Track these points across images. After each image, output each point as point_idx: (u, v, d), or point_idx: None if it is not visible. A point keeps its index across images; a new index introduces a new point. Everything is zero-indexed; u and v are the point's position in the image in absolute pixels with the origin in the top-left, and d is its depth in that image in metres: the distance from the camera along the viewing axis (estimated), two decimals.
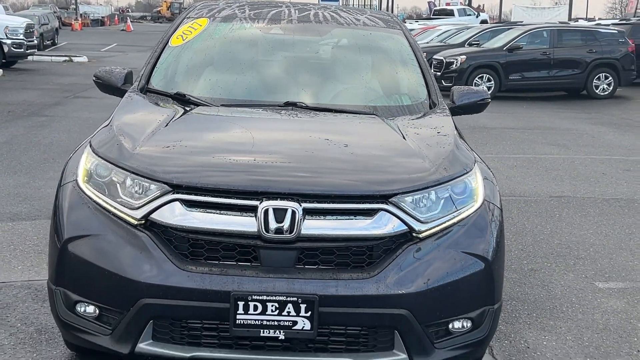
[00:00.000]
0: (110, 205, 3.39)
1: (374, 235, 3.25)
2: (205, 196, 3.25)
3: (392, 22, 5.28)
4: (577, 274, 5.63)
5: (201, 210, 3.25)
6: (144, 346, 3.26)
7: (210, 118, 4.11)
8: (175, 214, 3.25)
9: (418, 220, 3.32)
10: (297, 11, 5.24)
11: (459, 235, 3.41)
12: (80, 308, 3.38)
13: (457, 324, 3.39)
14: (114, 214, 3.36)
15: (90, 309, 3.36)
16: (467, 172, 3.60)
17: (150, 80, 4.55)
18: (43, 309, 4.59)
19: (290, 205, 3.20)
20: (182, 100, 4.29)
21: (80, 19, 58.93)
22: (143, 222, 3.29)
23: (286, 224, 3.19)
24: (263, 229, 3.18)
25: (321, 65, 4.83)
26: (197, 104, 4.25)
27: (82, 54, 27.88)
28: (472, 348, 3.48)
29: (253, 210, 3.22)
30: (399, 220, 3.29)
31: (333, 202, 3.26)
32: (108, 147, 3.61)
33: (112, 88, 4.70)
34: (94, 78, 4.78)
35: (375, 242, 3.26)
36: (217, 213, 3.24)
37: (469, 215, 3.48)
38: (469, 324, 3.41)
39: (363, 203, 3.28)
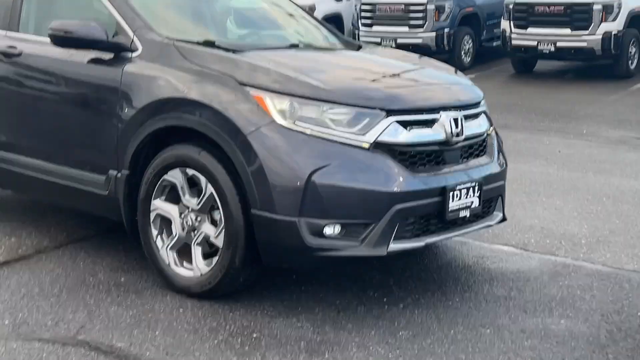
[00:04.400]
0: (334, 135, 3.78)
1: (484, 132, 4.42)
2: (411, 115, 3.98)
3: None
4: None
5: (409, 127, 3.95)
6: (393, 245, 3.85)
7: (297, 55, 4.51)
8: (397, 133, 3.88)
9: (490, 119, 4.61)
10: None
11: None
12: (327, 230, 3.74)
13: None
14: (342, 142, 3.78)
15: (335, 229, 3.75)
16: None
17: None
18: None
19: (459, 114, 4.16)
20: (212, 46, 4.39)
21: None
22: (369, 145, 3.83)
23: (459, 128, 4.15)
24: (451, 135, 4.09)
25: (267, 15, 5.36)
26: (229, 50, 4.35)
27: None
28: None
29: (435, 122, 4.06)
30: (486, 119, 4.52)
31: (469, 109, 4.32)
32: (293, 86, 3.87)
33: (91, 42, 4.25)
34: (54, 31, 4.24)
35: (484, 137, 4.45)
36: (417, 128, 3.99)
37: None
38: None
39: (478, 108, 4.43)
